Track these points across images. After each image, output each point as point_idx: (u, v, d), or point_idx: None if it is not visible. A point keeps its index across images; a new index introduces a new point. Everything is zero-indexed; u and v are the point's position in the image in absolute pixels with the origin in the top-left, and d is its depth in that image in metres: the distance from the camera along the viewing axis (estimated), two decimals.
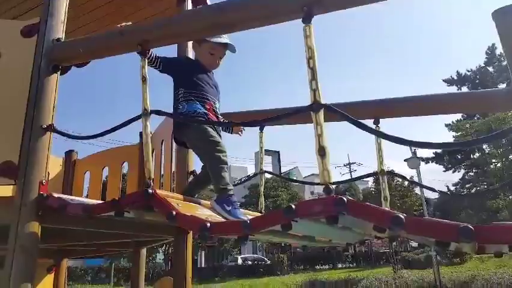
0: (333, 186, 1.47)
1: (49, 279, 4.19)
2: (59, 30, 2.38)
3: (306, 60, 1.54)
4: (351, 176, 44.17)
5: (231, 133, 2.87)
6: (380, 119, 2.69)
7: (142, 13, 4.04)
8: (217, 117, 2.55)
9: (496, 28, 2.48)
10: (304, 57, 1.55)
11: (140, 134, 4.62)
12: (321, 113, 1.49)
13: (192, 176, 3.44)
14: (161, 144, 3.93)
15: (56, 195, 2.03)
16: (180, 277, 3.00)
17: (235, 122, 2.79)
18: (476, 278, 12.72)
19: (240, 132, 2.86)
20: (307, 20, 1.58)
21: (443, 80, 35.75)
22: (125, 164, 4.57)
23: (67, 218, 2.09)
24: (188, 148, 2.91)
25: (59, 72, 2.31)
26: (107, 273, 27.38)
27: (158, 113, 1.96)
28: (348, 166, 45.51)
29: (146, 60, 2.04)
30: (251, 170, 55.35)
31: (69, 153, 4.82)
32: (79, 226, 2.33)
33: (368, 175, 2.73)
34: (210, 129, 2.33)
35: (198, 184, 2.75)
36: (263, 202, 2.85)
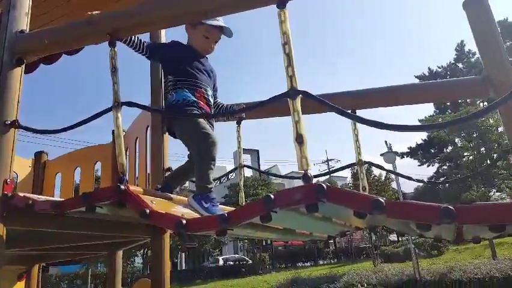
0: (310, 173, 1.44)
1: (20, 286, 4.02)
2: (23, 22, 2.26)
3: (282, 46, 1.50)
4: (329, 173, 44.62)
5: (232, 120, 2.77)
6: (357, 110, 2.69)
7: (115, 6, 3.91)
8: (209, 105, 2.42)
9: (467, 18, 2.52)
10: (280, 44, 1.51)
11: (113, 132, 4.50)
12: (298, 100, 1.46)
13: (167, 173, 3.35)
14: (135, 142, 3.81)
15: (21, 194, 1.93)
16: (158, 278, 2.91)
17: (215, 114, 2.65)
18: (454, 268, 13.02)
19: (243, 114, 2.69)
20: (281, 5, 1.54)
21: (415, 76, 36.56)
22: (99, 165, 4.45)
23: (35, 219, 1.98)
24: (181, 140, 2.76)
25: (23, 66, 2.20)
26: (83, 280, 26.73)
27: (129, 104, 1.88)
28: (326, 163, 46.02)
29: (115, 49, 1.96)
30: (230, 168, 55.08)
31: (38, 154, 4.66)
32: (48, 227, 2.22)
33: (347, 166, 2.73)
34: (201, 120, 2.21)
35: (180, 176, 2.64)
36: (243, 197, 2.79)
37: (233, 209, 2.66)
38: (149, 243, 3.10)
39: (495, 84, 2.23)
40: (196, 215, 1.92)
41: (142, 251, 27.06)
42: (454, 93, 2.70)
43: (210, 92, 2.44)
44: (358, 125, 2.62)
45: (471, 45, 34.99)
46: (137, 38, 2.24)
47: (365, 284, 10.46)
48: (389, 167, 15.03)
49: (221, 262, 28.89)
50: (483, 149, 22.76)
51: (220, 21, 2.47)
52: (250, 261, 27.55)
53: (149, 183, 3.38)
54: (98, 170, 4.57)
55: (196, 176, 2.16)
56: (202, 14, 1.88)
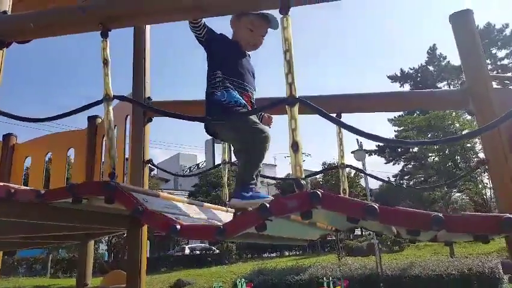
0: (303, 181, 1.46)
1: None
2: (5, 3, 2.16)
3: (283, 52, 1.51)
4: None
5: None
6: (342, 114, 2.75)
7: None
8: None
9: (452, 30, 2.60)
10: (281, 50, 1.52)
11: (89, 118, 4.39)
12: (296, 107, 1.48)
13: (147, 165, 3.29)
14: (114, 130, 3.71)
15: (1, 183, 1.86)
16: (134, 271, 2.89)
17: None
18: (414, 265, 13.55)
19: (270, 125, 2.45)
20: (284, 11, 1.55)
21: (388, 77, 37.34)
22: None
23: (14, 208, 1.91)
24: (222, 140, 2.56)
25: (4, 49, 2.10)
26: (43, 265, 25.99)
27: (122, 98, 1.85)
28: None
29: (107, 40, 1.91)
30: (201, 158, 54.72)
31: (7, 137, 4.49)
32: (26, 217, 2.15)
33: (329, 168, 2.80)
34: (252, 117, 2.05)
35: None
36: (227, 193, 2.78)
37: (217, 206, 2.70)
38: (126, 235, 3.07)
39: (475, 97, 2.32)
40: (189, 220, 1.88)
41: (106, 238, 26.57)
42: (434, 103, 2.81)
43: (254, 95, 2.32)
44: (343, 129, 2.68)
45: (442, 49, 36.11)
46: None
47: (330, 277, 10.71)
48: (359, 164, 15.42)
49: (187, 251, 28.77)
50: (447, 151, 23.64)
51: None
52: (217, 251, 27.60)
53: (128, 176, 3.33)
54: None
55: (241, 173, 2.01)
56: (201, 10, 1.85)
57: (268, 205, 1.35)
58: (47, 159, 4.56)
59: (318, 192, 1.33)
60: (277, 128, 2.50)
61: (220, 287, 11.10)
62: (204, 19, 2.12)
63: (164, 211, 1.68)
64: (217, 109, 2.10)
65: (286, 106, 1.47)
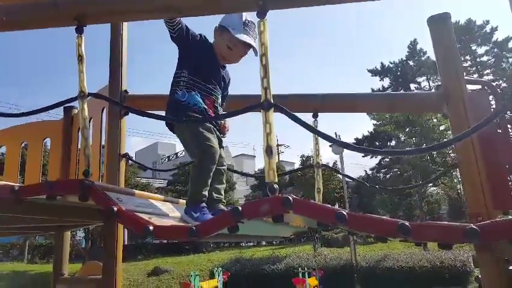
0: (276, 185, 1.49)
1: None
2: None
3: (259, 56, 1.52)
4: (278, 157, 45.55)
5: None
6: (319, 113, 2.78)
7: None
8: (216, 113, 2.28)
9: (430, 34, 2.65)
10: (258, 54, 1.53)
11: (65, 108, 4.32)
12: (271, 112, 1.49)
13: (123, 159, 3.27)
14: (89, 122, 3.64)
15: None
16: (110, 262, 2.89)
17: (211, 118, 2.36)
18: (387, 257, 13.93)
19: (225, 134, 2.45)
20: (261, 15, 1.56)
21: (368, 70, 37.63)
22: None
23: None
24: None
25: None
26: (20, 251, 25.60)
27: (96, 96, 1.83)
28: (276, 148, 46.70)
29: (82, 36, 1.88)
30: (180, 147, 54.42)
31: None
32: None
33: (305, 167, 2.84)
34: (206, 129, 2.08)
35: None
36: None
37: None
38: (101, 228, 3.05)
39: (450, 101, 2.38)
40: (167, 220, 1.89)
41: None
42: (410, 106, 2.87)
43: (219, 101, 2.33)
44: (319, 127, 2.71)
45: (423, 44, 36.55)
46: None
47: (305, 268, 10.90)
48: (336, 157, 15.61)
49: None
50: (424, 145, 24.11)
51: (249, 37, 2.25)
52: None
53: (104, 170, 3.29)
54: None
55: (190, 188, 2.03)
56: (176, 11, 1.83)
57: (240, 208, 1.38)
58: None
59: (290, 198, 1.36)
60: (257, 118, 2.55)
61: (197, 276, 11.12)
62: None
63: (138, 210, 1.69)
64: (174, 108, 2.15)
65: (261, 110, 1.49)
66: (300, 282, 10.29)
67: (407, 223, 1.28)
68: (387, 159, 33.15)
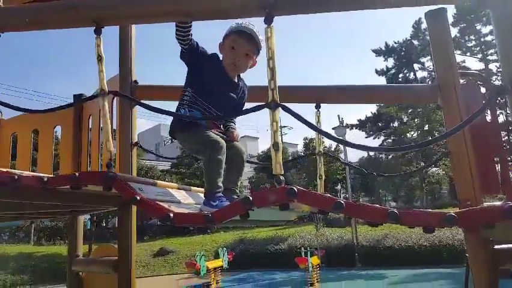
0: (282, 177, 1.66)
1: None
2: None
3: (267, 60, 1.66)
4: (281, 139, 45.72)
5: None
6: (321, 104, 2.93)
7: None
8: (218, 128, 2.33)
9: (427, 27, 2.78)
10: (265, 57, 1.68)
11: (74, 96, 4.47)
12: (278, 111, 1.65)
13: (135, 148, 3.42)
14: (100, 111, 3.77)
15: (4, 169, 2.00)
16: (125, 244, 3.10)
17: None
18: (388, 236, 14.24)
19: (238, 140, 2.42)
20: (268, 21, 1.69)
21: (372, 50, 37.36)
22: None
23: (17, 192, 2.06)
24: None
25: None
26: (26, 233, 26.12)
27: (116, 94, 1.98)
28: (280, 129, 46.90)
29: (101, 37, 2.01)
30: None
31: None
32: (26, 199, 2.30)
33: (309, 155, 2.99)
34: (207, 132, 2.14)
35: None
36: None
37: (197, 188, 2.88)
38: (117, 213, 3.25)
39: (443, 93, 2.52)
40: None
41: None
42: (407, 97, 3.01)
43: (223, 122, 2.38)
44: (321, 118, 2.87)
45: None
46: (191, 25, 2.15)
47: (308, 247, 11.21)
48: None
49: None
50: (426, 127, 24.23)
51: (248, 29, 2.22)
52: None
53: (116, 158, 3.45)
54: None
55: (205, 181, 2.10)
56: (185, 15, 1.97)
57: (251, 198, 1.56)
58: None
59: (295, 189, 1.53)
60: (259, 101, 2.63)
61: (203, 256, 11.45)
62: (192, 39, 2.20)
63: (157, 198, 1.87)
64: (176, 125, 2.25)
65: (269, 110, 1.64)
66: (303, 261, 10.59)
67: (395, 210, 1.45)
68: (390, 141, 33.29)
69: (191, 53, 2.23)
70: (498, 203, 2.57)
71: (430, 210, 1.47)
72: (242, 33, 2.23)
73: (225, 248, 13.38)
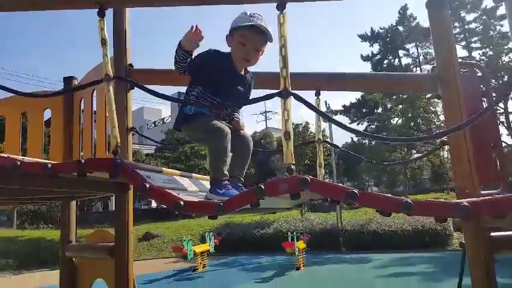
0: (293, 166, 1.66)
1: None
2: None
3: (279, 48, 1.65)
4: (266, 124, 45.82)
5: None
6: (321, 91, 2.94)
7: None
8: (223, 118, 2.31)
9: (428, 17, 2.79)
10: (278, 45, 1.66)
11: (64, 78, 4.36)
12: (290, 100, 1.64)
13: (131, 133, 3.37)
14: (92, 94, 3.66)
15: (5, 154, 1.95)
16: (122, 230, 3.09)
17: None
18: (371, 221, 14.52)
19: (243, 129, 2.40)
20: (281, 7, 1.67)
21: (358, 35, 37.37)
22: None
23: (20, 179, 2.01)
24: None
25: None
26: (8, 216, 25.70)
27: (120, 79, 1.94)
28: (264, 114, 46.87)
29: (104, 20, 1.96)
30: (166, 113, 53.96)
31: None
32: (26, 185, 2.25)
33: (308, 143, 2.99)
34: (212, 120, 2.13)
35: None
36: None
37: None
38: (114, 198, 3.22)
39: (443, 83, 2.55)
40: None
41: None
42: (405, 86, 3.03)
43: (229, 111, 2.37)
44: (321, 106, 2.87)
45: (413, 10, 36.17)
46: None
47: (294, 232, 11.35)
48: (325, 125, 15.86)
49: (154, 204, 29.01)
50: (410, 115, 24.53)
51: (258, 23, 2.15)
52: None
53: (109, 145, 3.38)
54: None
55: (211, 170, 2.10)
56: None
57: (263, 187, 1.55)
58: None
59: (308, 178, 1.53)
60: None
61: (190, 241, 11.50)
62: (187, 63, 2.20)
63: (165, 186, 1.85)
64: (182, 118, 2.24)
65: (280, 99, 1.63)
66: (290, 245, 10.73)
67: (410, 201, 1.47)
68: (373, 127, 33.64)
69: (190, 67, 2.24)
70: (495, 191, 2.66)
71: (443, 200, 1.49)
72: (253, 28, 2.16)
73: (211, 233, 13.45)
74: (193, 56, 2.22)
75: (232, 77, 2.28)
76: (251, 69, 2.45)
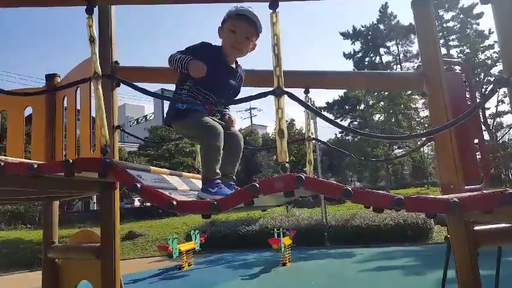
0: (287, 164, 1.67)
1: None
2: None
3: (272, 47, 1.64)
4: (251, 121, 45.84)
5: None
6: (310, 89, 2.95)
7: None
8: (219, 113, 2.35)
9: (413, 16, 2.82)
10: (270, 44, 1.65)
11: (46, 76, 4.26)
12: (283, 99, 1.64)
13: (116, 131, 3.32)
14: (76, 92, 3.59)
15: None
16: (109, 232, 3.04)
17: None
18: (355, 216, 14.71)
19: (233, 126, 2.42)
20: (273, 6, 1.66)
21: (340, 33, 37.66)
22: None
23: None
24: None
25: None
26: None
27: (110, 77, 1.91)
28: (249, 111, 46.81)
29: (92, 17, 1.93)
30: (148, 110, 53.28)
31: None
32: (8, 186, 2.19)
33: (298, 140, 3.01)
34: (204, 117, 2.12)
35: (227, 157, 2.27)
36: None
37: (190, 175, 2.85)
38: (98, 197, 3.16)
39: (428, 81, 2.60)
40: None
41: None
42: (391, 84, 3.07)
43: (220, 107, 2.36)
44: (310, 102, 2.88)
45: (393, 8, 36.64)
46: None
47: (281, 228, 11.41)
48: (310, 122, 15.89)
49: (137, 203, 28.69)
50: (391, 111, 24.88)
51: (248, 12, 2.19)
52: None
53: (96, 141, 3.32)
54: None
55: (203, 168, 2.09)
56: None
57: (257, 185, 1.55)
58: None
59: (302, 176, 1.54)
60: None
61: (175, 239, 11.43)
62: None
63: (156, 185, 1.83)
64: (173, 113, 2.21)
65: (274, 97, 1.63)
66: (276, 242, 10.77)
67: (402, 197, 1.49)
68: (356, 123, 34.03)
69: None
70: (477, 186, 2.72)
71: (433, 196, 1.52)
72: (242, 16, 2.21)
73: (197, 231, 13.39)
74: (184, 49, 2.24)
75: (223, 69, 2.29)
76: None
